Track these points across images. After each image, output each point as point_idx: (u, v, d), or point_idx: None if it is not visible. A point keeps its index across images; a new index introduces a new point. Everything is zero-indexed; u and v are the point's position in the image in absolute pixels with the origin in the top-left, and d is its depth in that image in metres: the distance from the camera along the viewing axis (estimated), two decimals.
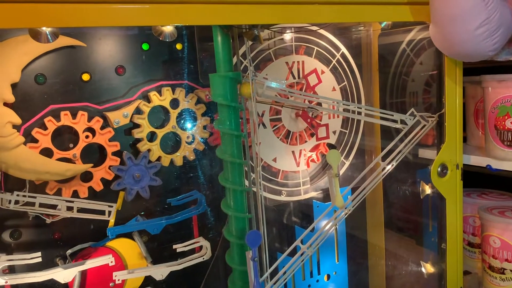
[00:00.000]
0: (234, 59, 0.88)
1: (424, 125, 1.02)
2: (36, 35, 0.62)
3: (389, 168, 0.99)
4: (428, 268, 1.10)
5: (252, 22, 0.76)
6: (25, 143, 0.82)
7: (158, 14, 0.66)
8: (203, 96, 0.98)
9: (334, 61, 1.13)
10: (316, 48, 1.10)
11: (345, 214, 0.95)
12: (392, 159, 1.00)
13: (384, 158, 1.00)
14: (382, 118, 1.03)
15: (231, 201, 0.87)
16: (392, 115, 1.02)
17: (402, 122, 1.03)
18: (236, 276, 0.91)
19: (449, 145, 0.98)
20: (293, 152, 1.11)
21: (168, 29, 0.75)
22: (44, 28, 0.62)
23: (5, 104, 0.80)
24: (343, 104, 1.00)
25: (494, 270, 1.02)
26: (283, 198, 1.11)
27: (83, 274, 0.89)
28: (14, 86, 0.82)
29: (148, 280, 0.96)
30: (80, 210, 0.87)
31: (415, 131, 1.02)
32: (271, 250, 1.11)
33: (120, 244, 0.94)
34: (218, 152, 0.87)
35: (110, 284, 0.91)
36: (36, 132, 0.84)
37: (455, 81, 0.96)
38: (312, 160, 1.15)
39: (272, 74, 1.05)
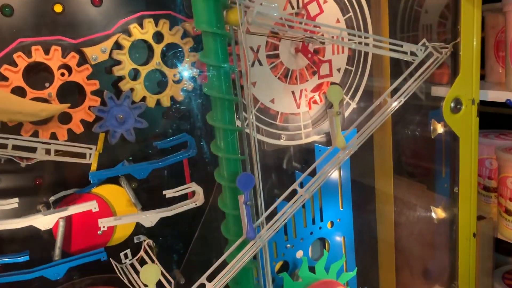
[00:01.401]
0: None
1: (437, 58, 0.92)
2: None
3: (395, 105, 0.90)
4: (439, 213, 1.03)
5: None
6: None
7: None
8: (190, 29, 0.89)
9: None
10: None
11: (347, 155, 0.87)
12: (400, 95, 0.90)
13: (393, 96, 0.91)
14: (390, 51, 0.93)
15: (221, 141, 0.80)
16: (401, 46, 0.92)
17: (413, 54, 0.93)
18: (229, 221, 0.85)
19: (464, 78, 0.88)
20: (293, 92, 1.03)
21: None
22: None
23: None
24: (347, 34, 0.90)
25: (510, 213, 0.95)
26: (282, 142, 1.03)
27: (68, 221, 0.84)
28: None
29: (139, 228, 0.91)
30: (59, 153, 0.81)
31: (426, 64, 0.93)
32: (270, 197, 1.05)
33: (108, 191, 0.89)
34: (205, 88, 0.79)
35: (98, 232, 0.87)
36: (5, 69, 0.77)
37: (473, 4, 0.85)
38: (314, 102, 1.06)
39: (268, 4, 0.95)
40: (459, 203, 0.94)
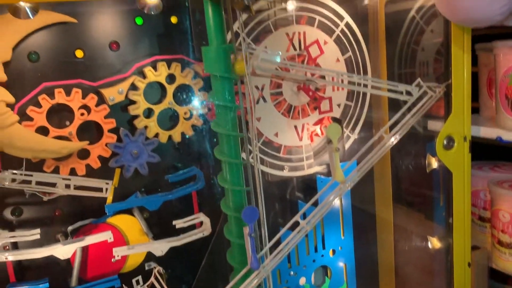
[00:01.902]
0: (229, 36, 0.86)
1: (431, 96, 0.98)
2: (15, 11, 0.61)
3: (392, 141, 0.96)
4: (435, 243, 1.08)
5: None
6: (20, 122, 0.82)
7: None
8: (200, 70, 0.96)
9: (337, 31, 1.09)
10: (318, 17, 1.06)
11: (347, 188, 0.93)
12: (396, 132, 0.96)
13: (391, 130, 0.96)
14: (386, 91, 0.99)
15: (227, 174, 0.86)
16: (397, 86, 0.98)
17: (408, 93, 0.99)
18: (235, 250, 0.90)
19: (456, 116, 0.94)
20: (295, 126, 1.09)
21: (153, 1, 0.72)
22: (22, 4, 0.61)
23: None
24: (345, 76, 0.96)
25: (503, 245, 0.99)
26: (285, 173, 1.09)
27: (84, 250, 0.90)
28: (6, 65, 0.81)
29: (150, 256, 0.97)
30: (78, 188, 0.88)
31: (421, 102, 0.98)
32: (274, 226, 1.10)
33: (121, 221, 0.95)
34: (212, 125, 0.86)
35: (112, 260, 0.93)
36: (30, 111, 0.84)
37: (463, 49, 0.91)
38: (316, 134, 1.12)
39: (272, 46, 1.02)
40: (453, 234, 0.99)
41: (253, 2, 0.76)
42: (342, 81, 0.97)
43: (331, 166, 0.93)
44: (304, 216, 0.92)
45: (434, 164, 1.05)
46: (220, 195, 1.02)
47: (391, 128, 0.97)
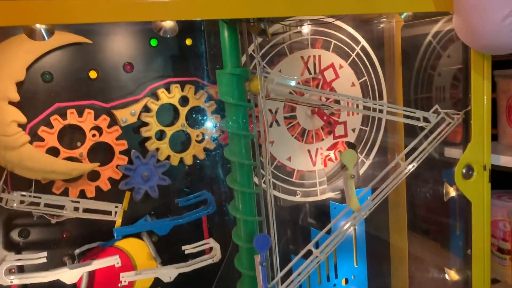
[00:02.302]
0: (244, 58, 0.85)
1: (450, 123, 0.96)
2: (30, 33, 0.61)
3: (410, 168, 0.93)
4: (452, 275, 1.04)
5: (258, 15, 0.72)
6: (31, 142, 0.81)
7: (157, 9, 0.63)
8: (213, 93, 0.95)
9: (353, 55, 1.08)
10: (333, 41, 1.05)
11: (362, 217, 0.90)
12: (414, 159, 0.94)
13: (407, 157, 0.94)
14: (403, 117, 0.97)
15: (240, 203, 0.84)
16: (415, 113, 0.96)
17: (425, 119, 0.96)
18: (245, 281, 0.87)
19: (475, 145, 0.91)
20: (309, 151, 1.07)
21: (169, 24, 0.71)
22: (38, 26, 0.60)
23: (10, 103, 0.79)
24: (360, 101, 0.94)
25: None
26: (298, 198, 1.07)
27: (91, 274, 0.88)
28: (20, 84, 0.81)
29: (158, 281, 0.94)
30: (86, 210, 0.86)
31: (439, 128, 0.96)
32: (286, 253, 1.07)
33: (129, 244, 0.93)
34: (226, 153, 0.84)
35: (119, 285, 0.90)
36: (42, 131, 0.83)
37: (483, 75, 0.89)
38: (330, 159, 1.10)
39: (286, 69, 1.01)
40: (472, 266, 0.95)
41: (269, 25, 0.75)
42: (357, 106, 0.95)
43: (345, 193, 0.91)
44: (317, 245, 0.89)
45: (452, 193, 1.02)
46: (231, 221, 0.99)
47: (407, 154, 0.94)
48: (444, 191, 1.04)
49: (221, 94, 0.80)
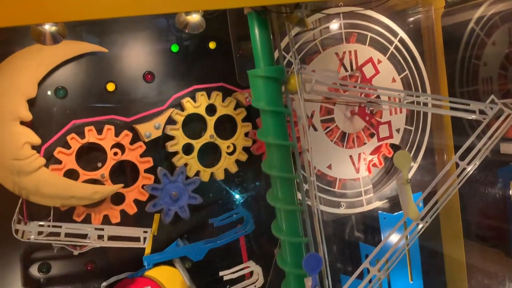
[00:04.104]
0: (276, 54, 0.75)
1: (509, 114, 0.85)
2: (38, 37, 0.52)
3: (471, 168, 0.82)
4: None
5: None
6: (46, 165, 0.73)
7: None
8: (242, 99, 0.86)
9: (392, 48, 0.98)
10: (369, 34, 0.95)
11: (422, 227, 0.79)
12: (474, 157, 0.82)
13: (461, 158, 0.83)
14: (454, 110, 0.86)
15: (283, 223, 0.73)
16: (469, 105, 0.85)
17: (481, 112, 0.85)
18: None
19: None
20: (350, 156, 0.96)
21: (194, 18, 0.63)
22: (47, 27, 0.52)
23: (22, 123, 0.71)
24: (409, 96, 0.84)
25: None
26: (342, 210, 0.96)
27: None
28: (31, 102, 0.73)
29: None
30: (112, 238, 0.77)
31: (497, 122, 0.85)
32: (333, 272, 0.96)
33: (160, 273, 0.83)
34: (264, 167, 0.74)
35: None
36: (58, 152, 0.74)
37: None
38: (374, 165, 0.99)
39: (320, 68, 0.91)
40: None
41: (307, 14, 0.66)
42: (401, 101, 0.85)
43: (401, 201, 0.80)
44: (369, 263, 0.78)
45: None
46: (272, 239, 0.89)
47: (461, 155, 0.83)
48: (510, 191, 0.92)
49: (255, 101, 0.70)
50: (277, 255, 0.76)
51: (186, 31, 0.66)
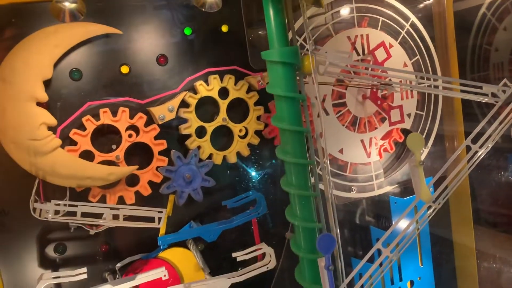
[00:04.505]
0: (290, 36, 0.76)
1: None
2: (58, 13, 0.53)
3: (482, 151, 0.82)
4: None
5: None
6: (62, 146, 0.74)
7: None
8: (255, 82, 0.86)
9: (403, 33, 0.98)
10: (381, 18, 0.95)
11: (434, 210, 0.79)
12: (486, 141, 0.83)
13: (472, 141, 0.83)
14: (468, 93, 0.86)
15: (297, 208, 0.74)
16: (480, 88, 0.85)
17: (494, 95, 0.85)
18: None
19: None
20: (362, 141, 0.97)
21: None
22: (67, 5, 0.52)
23: (38, 104, 0.71)
24: (422, 78, 0.84)
25: None
26: (353, 195, 0.97)
27: None
28: (47, 83, 0.73)
29: None
30: (127, 218, 0.77)
31: (510, 106, 0.85)
32: (344, 255, 0.97)
33: (174, 255, 0.84)
34: (278, 153, 0.75)
35: None
36: (74, 134, 0.75)
37: None
38: (385, 150, 1.00)
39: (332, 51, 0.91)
40: None
41: None
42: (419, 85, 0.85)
43: (414, 183, 0.80)
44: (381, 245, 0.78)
45: None
46: (285, 221, 0.90)
47: (472, 139, 0.83)
48: None
49: (271, 87, 0.71)
50: (290, 241, 0.77)
51: (204, 10, 0.66)
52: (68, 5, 0.52)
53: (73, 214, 0.73)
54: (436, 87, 0.94)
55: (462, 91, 0.86)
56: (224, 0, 0.83)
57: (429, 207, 0.80)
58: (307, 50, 0.71)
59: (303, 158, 0.73)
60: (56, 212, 0.72)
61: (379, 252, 0.77)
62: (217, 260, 0.87)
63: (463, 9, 1.07)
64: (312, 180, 0.76)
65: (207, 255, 0.86)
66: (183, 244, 0.85)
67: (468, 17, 1.08)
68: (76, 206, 0.73)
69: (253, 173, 0.90)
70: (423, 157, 1.03)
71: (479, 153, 0.83)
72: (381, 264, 0.77)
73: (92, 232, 0.75)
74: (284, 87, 0.70)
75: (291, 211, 0.76)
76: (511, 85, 0.85)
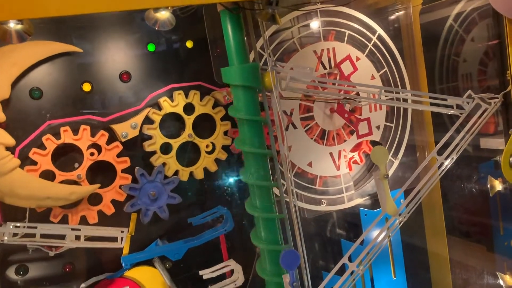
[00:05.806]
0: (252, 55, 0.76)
1: (486, 109, 0.85)
2: (4, 35, 0.52)
3: (448, 163, 0.83)
4: (507, 280, 0.92)
5: None
6: (22, 166, 0.72)
7: None
8: (220, 97, 0.86)
9: (370, 45, 0.98)
10: (347, 31, 0.95)
11: (400, 222, 0.79)
12: (451, 152, 0.83)
13: (440, 153, 0.84)
14: (433, 105, 0.87)
15: (262, 231, 0.74)
16: (446, 100, 0.86)
17: (458, 107, 0.86)
18: None
19: None
20: (331, 154, 0.97)
21: (163, 15, 0.63)
22: (12, 25, 0.52)
23: None
24: (387, 92, 0.84)
25: None
26: (323, 208, 0.96)
27: None
28: (4, 103, 0.72)
29: None
30: (89, 239, 0.76)
31: (474, 117, 0.86)
32: (315, 269, 0.96)
33: (140, 273, 0.83)
34: (243, 176, 0.75)
35: None
36: (34, 153, 0.74)
37: None
38: (355, 162, 1.00)
39: (299, 65, 0.91)
40: None
41: (278, 11, 0.66)
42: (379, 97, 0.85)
43: (379, 196, 0.80)
44: (349, 259, 0.78)
45: (498, 186, 0.91)
46: (249, 238, 0.89)
47: (440, 150, 0.84)
48: (488, 185, 0.92)
49: (233, 111, 0.71)
50: (257, 265, 0.76)
51: (156, 29, 0.65)
52: (14, 26, 0.51)
53: (32, 235, 0.72)
54: (406, 100, 0.94)
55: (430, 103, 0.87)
56: (188, 16, 0.83)
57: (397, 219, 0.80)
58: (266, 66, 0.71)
59: (267, 180, 0.73)
60: (15, 234, 0.71)
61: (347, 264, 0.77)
62: (185, 278, 0.86)
63: (430, 21, 1.08)
64: (278, 193, 0.76)
65: (175, 273, 0.85)
66: (150, 262, 0.84)
67: (435, 29, 1.09)
68: (36, 227, 0.72)
69: (220, 189, 0.89)
70: (394, 167, 1.03)
71: (445, 164, 0.83)
72: (351, 277, 0.77)
73: (51, 253, 0.74)
74: (245, 109, 0.71)
75: (256, 234, 0.76)
76: (475, 97, 0.86)
